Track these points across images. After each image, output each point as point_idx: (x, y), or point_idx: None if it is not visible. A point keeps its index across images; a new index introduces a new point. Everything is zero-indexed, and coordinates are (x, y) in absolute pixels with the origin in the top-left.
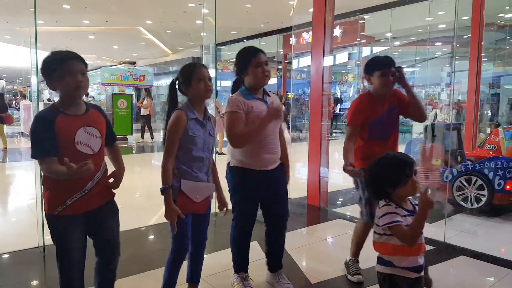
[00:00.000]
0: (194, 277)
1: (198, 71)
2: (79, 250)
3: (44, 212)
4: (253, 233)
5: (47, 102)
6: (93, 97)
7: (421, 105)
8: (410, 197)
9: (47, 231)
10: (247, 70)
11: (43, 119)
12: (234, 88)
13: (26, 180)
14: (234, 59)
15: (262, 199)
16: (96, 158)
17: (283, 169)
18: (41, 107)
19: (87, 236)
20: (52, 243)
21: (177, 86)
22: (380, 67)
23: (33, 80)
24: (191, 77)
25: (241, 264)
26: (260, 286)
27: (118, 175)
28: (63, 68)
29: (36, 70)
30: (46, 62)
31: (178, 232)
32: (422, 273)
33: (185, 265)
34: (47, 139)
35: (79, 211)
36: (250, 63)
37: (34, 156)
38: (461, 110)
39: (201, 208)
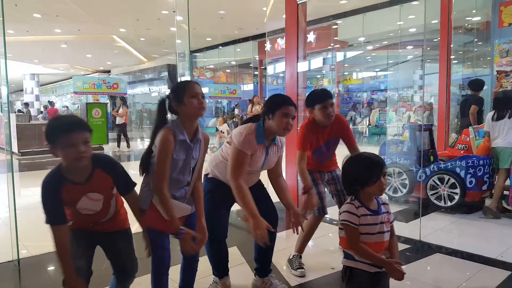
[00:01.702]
0: (185, 284)
1: (191, 87)
2: (84, 260)
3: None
4: (233, 238)
5: (18, 113)
6: (67, 107)
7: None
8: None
9: (22, 245)
10: (274, 114)
11: (51, 188)
12: (252, 119)
13: None
14: (267, 99)
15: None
16: (100, 213)
17: (260, 185)
18: (13, 119)
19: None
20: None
21: (167, 106)
22: (320, 101)
23: (3, 91)
24: (183, 93)
25: (216, 270)
26: None
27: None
28: (65, 139)
29: (6, 81)
30: (49, 127)
31: (155, 246)
32: (383, 269)
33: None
34: (58, 208)
35: (88, 226)
36: (280, 109)
37: (49, 222)
38: (432, 111)
39: (168, 227)
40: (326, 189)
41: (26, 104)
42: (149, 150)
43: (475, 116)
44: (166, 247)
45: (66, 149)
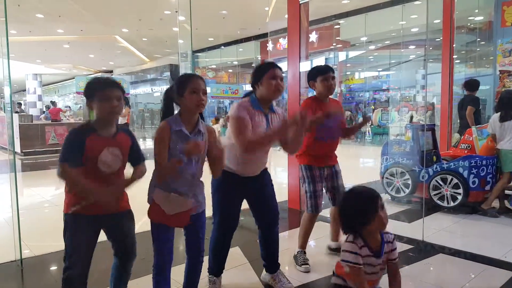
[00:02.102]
0: (189, 285)
1: (193, 82)
2: (86, 248)
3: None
4: (236, 239)
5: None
6: (69, 107)
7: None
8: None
9: (24, 244)
10: (261, 80)
11: (78, 133)
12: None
13: (1, 193)
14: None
15: (248, 201)
16: (113, 176)
17: (266, 173)
18: (16, 119)
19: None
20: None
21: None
22: (322, 73)
23: (6, 91)
24: (184, 87)
25: (215, 268)
26: None
27: (124, 181)
28: (101, 94)
29: (9, 80)
30: (88, 85)
31: (157, 247)
32: None
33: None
34: (75, 151)
35: (90, 212)
36: (267, 73)
37: (64, 160)
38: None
39: (175, 222)
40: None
41: (19, 104)
42: None
43: (472, 117)
44: (167, 242)
45: (102, 102)
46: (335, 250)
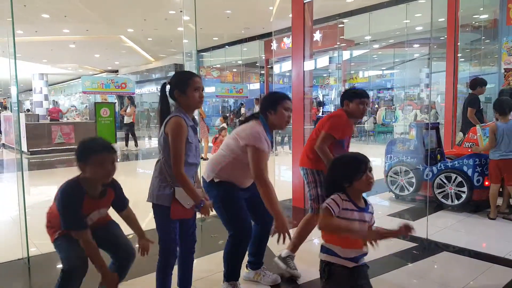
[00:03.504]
0: (184, 281)
1: (195, 80)
2: (84, 260)
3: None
4: None
5: (27, 112)
6: (75, 106)
7: None
8: (364, 193)
9: (31, 243)
10: (276, 110)
11: (76, 196)
12: (249, 118)
13: (8, 192)
14: (263, 96)
15: (248, 206)
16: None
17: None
18: (22, 118)
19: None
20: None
21: (167, 91)
22: (361, 97)
23: (13, 91)
24: (187, 85)
25: (234, 274)
26: None
27: (144, 244)
28: (96, 159)
29: (16, 80)
30: (81, 148)
31: (166, 238)
32: (360, 262)
33: (176, 270)
34: (81, 214)
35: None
36: (281, 105)
37: (75, 228)
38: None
39: (189, 213)
40: None
41: (28, 110)
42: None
43: (474, 118)
44: (177, 243)
45: (97, 168)
46: None
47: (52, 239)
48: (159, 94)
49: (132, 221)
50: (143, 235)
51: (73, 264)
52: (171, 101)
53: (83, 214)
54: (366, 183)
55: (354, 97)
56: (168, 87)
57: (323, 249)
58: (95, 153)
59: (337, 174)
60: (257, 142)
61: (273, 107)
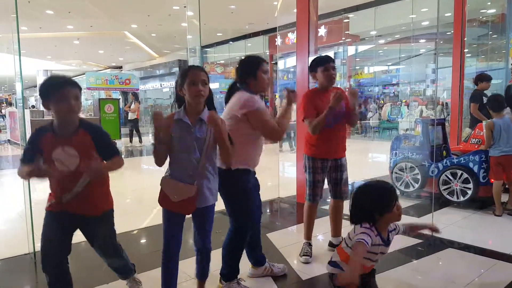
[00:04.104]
0: (200, 273)
1: (191, 73)
2: (56, 243)
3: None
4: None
5: (32, 109)
6: None
7: (357, 118)
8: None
9: (38, 238)
10: (256, 76)
11: (35, 134)
12: (230, 93)
13: (14, 187)
14: (238, 65)
15: None
16: (74, 175)
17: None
18: (27, 114)
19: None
20: None
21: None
22: (322, 63)
23: (18, 87)
24: (184, 79)
25: (234, 271)
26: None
27: (98, 165)
28: (58, 94)
29: (21, 77)
30: (42, 86)
31: (166, 235)
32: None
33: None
34: (33, 150)
35: (59, 208)
36: (260, 69)
37: (20, 158)
38: (445, 105)
39: (180, 208)
40: (326, 178)
41: (33, 106)
42: None
43: (478, 113)
44: (174, 229)
45: (58, 103)
46: (335, 246)
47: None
48: (174, 91)
49: (113, 165)
50: (101, 165)
51: (43, 246)
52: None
53: (47, 154)
54: (397, 214)
55: (316, 66)
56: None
57: (332, 264)
58: (55, 88)
59: (368, 204)
60: (254, 105)
61: (252, 74)
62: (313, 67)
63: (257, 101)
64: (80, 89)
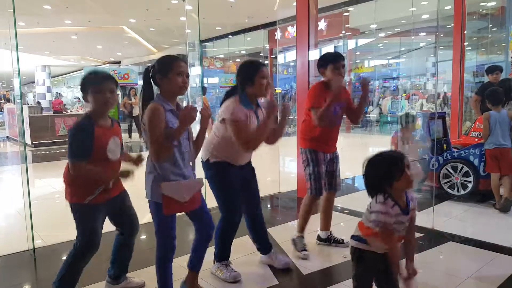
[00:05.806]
0: (192, 263)
1: (178, 64)
2: (99, 233)
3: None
4: (244, 228)
5: (33, 105)
6: (79, 98)
7: (362, 113)
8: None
9: (37, 235)
10: (253, 80)
11: (84, 127)
12: (228, 95)
13: (13, 184)
14: (237, 70)
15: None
16: (118, 163)
17: (252, 168)
18: (25, 110)
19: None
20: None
21: (151, 75)
22: (333, 61)
23: (16, 83)
24: (169, 69)
25: (225, 253)
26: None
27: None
28: (94, 88)
29: (18, 73)
30: (84, 80)
31: (161, 234)
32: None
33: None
34: (85, 145)
35: (103, 200)
36: (258, 75)
37: (71, 156)
38: (446, 99)
39: (189, 206)
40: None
41: (39, 103)
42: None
43: (475, 106)
44: (173, 236)
45: (97, 96)
46: (324, 241)
47: (67, 197)
48: (143, 79)
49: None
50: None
51: (86, 239)
52: (155, 88)
53: (100, 145)
54: (406, 181)
55: (328, 62)
56: (151, 72)
57: (355, 238)
58: (94, 83)
59: (376, 175)
60: (228, 114)
61: (250, 79)
62: (323, 63)
63: (236, 110)
64: (117, 84)
